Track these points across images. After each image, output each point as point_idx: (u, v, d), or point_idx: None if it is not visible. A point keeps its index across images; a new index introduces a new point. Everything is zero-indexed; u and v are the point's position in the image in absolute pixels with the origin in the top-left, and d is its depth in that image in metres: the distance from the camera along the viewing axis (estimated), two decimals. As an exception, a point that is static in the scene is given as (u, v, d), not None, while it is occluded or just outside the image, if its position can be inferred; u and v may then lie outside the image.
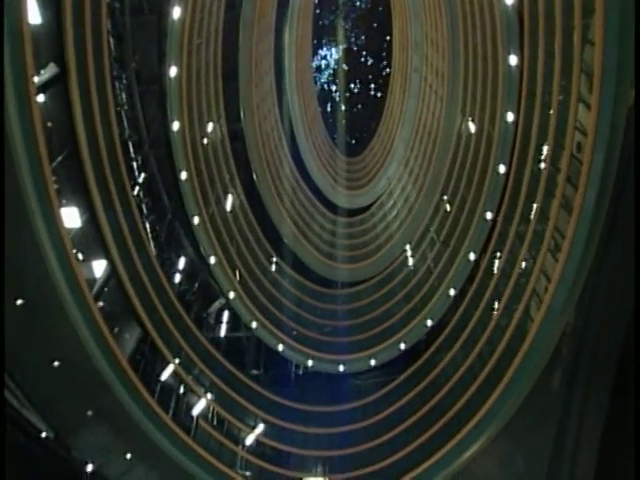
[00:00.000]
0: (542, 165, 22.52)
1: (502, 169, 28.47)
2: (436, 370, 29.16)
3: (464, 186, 33.87)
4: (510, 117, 27.14)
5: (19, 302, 16.80)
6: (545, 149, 22.08)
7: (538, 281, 21.62)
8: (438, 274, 34.47)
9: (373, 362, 35.75)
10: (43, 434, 21.09)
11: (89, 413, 20.76)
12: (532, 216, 23.14)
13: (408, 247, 40.87)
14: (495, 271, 26.68)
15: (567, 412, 19.81)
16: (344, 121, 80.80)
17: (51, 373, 18.94)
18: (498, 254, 27.35)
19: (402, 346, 34.78)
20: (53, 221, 16.35)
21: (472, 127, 33.57)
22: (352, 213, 52.98)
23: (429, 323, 33.54)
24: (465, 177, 33.87)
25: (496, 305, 26.17)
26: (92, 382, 19.82)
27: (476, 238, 30.98)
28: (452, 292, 32.32)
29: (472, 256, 31.05)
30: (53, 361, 18.85)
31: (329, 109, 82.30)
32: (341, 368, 36.40)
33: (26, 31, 14.37)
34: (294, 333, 37.63)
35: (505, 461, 21.71)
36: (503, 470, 21.94)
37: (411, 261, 39.88)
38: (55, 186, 16.58)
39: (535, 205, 22.84)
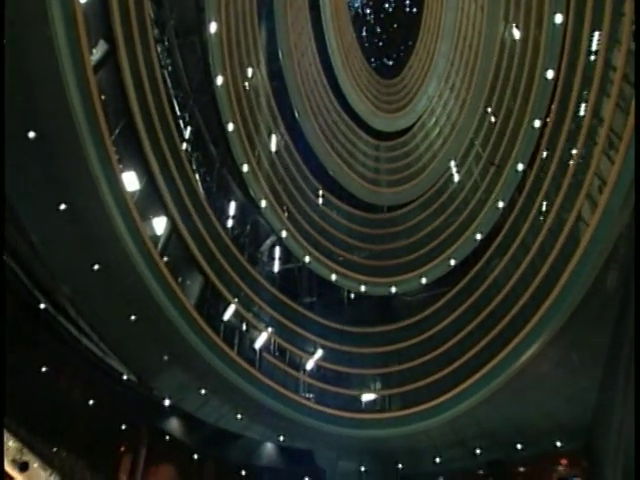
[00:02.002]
0: (594, 60, 20.82)
1: (550, 74, 26.71)
2: (487, 281, 28.87)
3: (509, 96, 32.16)
4: (559, 19, 25.10)
5: (96, 267, 18.65)
6: (596, 41, 20.37)
7: (592, 185, 20.61)
8: (485, 188, 33.50)
9: (424, 280, 35.74)
10: (124, 377, 23.20)
11: (165, 358, 22.63)
12: (584, 119, 21.76)
13: (453, 164, 39.69)
14: (546, 179, 25.54)
15: (623, 313, 19.41)
16: (381, 43, 77.09)
17: (129, 326, 20.68)
18: (547, 155, 26.03)
19: (452, 262, 34.49)
20: (118, 188, 17.59)
21: (516, 34, 31.35)
22: (394, 136, 51.56)
23: (478, 237, 32.97)
24: (510, 87, 32.10)
25: (543, 208, 25.30)
26: (165, 330, 21.46)
27: (524, 148, 29.68)
28: (501, 204, 31.46)
29: (520, 167, 29.89)
30: (130, 315, 20.57)
31: (364, 33, 78.42)
32: (393, 290, 36.63)
33: (79, 13, 14.71)
34: (340, 259, 37.73)
35: (561, 361, 21.75)
36: (558, 369, 22.04)
37: (457, 177, 38.83)
38: (116, 156, 17.70)
39: (588, 107, 21.43)
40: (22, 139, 15.12)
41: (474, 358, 26.79)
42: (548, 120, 26.82)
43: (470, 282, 31.03)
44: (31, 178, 16.30)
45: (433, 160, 43.19)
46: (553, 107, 25.74)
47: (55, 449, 18.94)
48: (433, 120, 46.67)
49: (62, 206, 16.79)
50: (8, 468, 14.70)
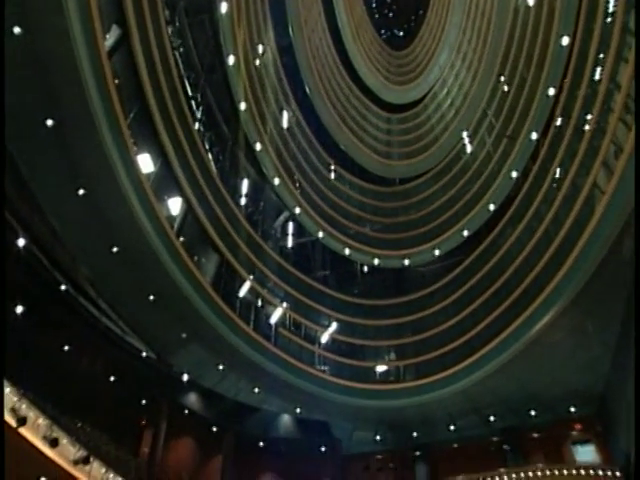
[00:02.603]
0: (611, 22, 20.12)
1: (565, 41, 25.92)
2: (501, 251, 28.61)
3: (523, 64, 31.33)
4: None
5: (115, 249, 19.16)
6: (613, 3, 19.65)
7: (608, 152, 20.10)
8: (499, 158, 32.93)
9: (437, 252, 35.52)
10: (144, 354, 23.87)
11: (184, 335, 23.08)
12: (600, 85, 21.12)
13: (465, 134, 39.02)
14: (560, 147, 24.98)
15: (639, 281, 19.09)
16: (391, 14, 75.30)
17: (148, 305, 21.23)
18: (562, 123, 25.44)
19: (465, 233, 34.17)
20: (134, 171, 17.96)
21: (530, 0, 30.42)
22: (406, 108, 50.72)
23: (491, 208, 32.56)
24: (524, 55, 31.26)
25: (558, 176, 24.84)
26: (183, 309, 21.92)
27: (538, 116, 29.04)
28: (514, 174, 30.95)
29: (534, 135, 29.30)
30: (148, 295, 21.09)
31: (374, 4, 76.55)
32: (406, 262, 36.46)
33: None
34: (351, 232, 37.54)
35: (575, 329, 21.61)
36: (572, 337, 21.92)
37: (469, 148, 38.21)
38: (131, 140, 18.02)
39: (604, 72, 20.77)
40: (41, 127, 15.48)
41: (488, 328, 26.75)
42: (563, 87, 26.06)
43: (483, 252, 30.78)
44: (50, 165, 16.71)
45: (445, 131, 42.57)
46: (568, 74, 24.92)
47: (80, 424, 19.45)
48: (445, 91, 45.82)
49: (81, 191, 17.28)
50: (39, 444, 15.09)
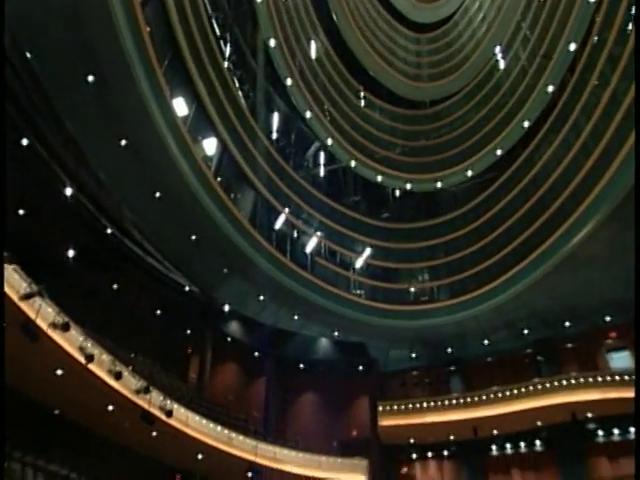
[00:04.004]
0: None
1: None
2: (536, 167, 27.31)
3: (561, -31, 28.15)
4: None
5: (157, 195, 20.11)
6: None
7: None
8: (534, 72, 30.47)
9: (470, 173, 34.04)
10: (187, 289, 24.69)
11: (225, 270, 23.96)
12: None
13: (498, 50, 36.19)
14: (601, 55, 22.73)
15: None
16: None
17: (190, 244, 22.26)
18: (603, 30, 23.12)
19: (499, 152, 32.47)
20: (170, 116, 18.37)
21: None
22: (435, 27, 47.25)
23: (526, 124, 30.64)
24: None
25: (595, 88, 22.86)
26: (223, 245, 22.73)
27: (577, 26, 26.54)
28: (550, 88, 28.71)
29: (572, 46, 26.91)
30: (190, 235, 22.02)
31: None
32: (438, 185, 35.20)
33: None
34: (382, 158, 36.36)
35: (613, 241, 20.65)
36: (609, 249, 21.05)
37: (502, 64, 35.51)
38: (167, 87, 18.42)
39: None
40: (83, 84, 16.21)
41: (522, 245, 26.13)
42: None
43: (517, 170, 29.54)
44: (94, 118, 17.56)
45: (477, 48, 39.80)
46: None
47: (133, 355, 20.32)
48: (476, 5, 42.18)
49: (123, 142, 18.13)
50: (105, 377, 15.90)
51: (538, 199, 26.15)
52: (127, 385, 16.69)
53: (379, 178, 35.62)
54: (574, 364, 25.87)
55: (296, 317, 27.31)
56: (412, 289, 31.01)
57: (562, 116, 26.24)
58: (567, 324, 26.31)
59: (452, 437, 25.89)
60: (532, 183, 27.29)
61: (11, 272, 12.89)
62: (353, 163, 35.15)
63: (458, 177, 34.68)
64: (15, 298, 12.87)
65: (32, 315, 13.37)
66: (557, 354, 26.98)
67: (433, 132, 38.72)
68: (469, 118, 36.53)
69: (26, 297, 13.16)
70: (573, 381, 23.55)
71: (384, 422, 25.91)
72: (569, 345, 26.98)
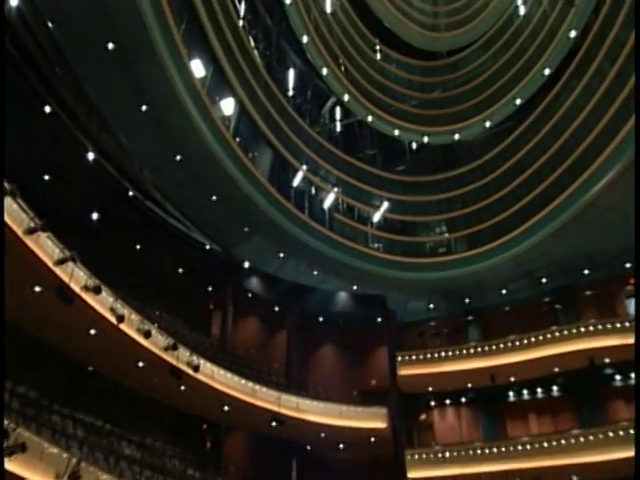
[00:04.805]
0: None
1: None
2: (557, 115, 26.32)
3: None
4: None
5: (178, 158, 20.52)
6: None
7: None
8: (556, 17, 28.74)
9: (488, 124, 32.91)
10: (208, 247, 24.89)
11: (245, 229, 24.11)
12: None
13: (518, -7, 34.15)
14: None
15: None
16: None
17: (211, 205, 22.45)
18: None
19: (518, 101, 31.19)
20: (189, 78, 18.62)
21: None
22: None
23: (546, 72, 29.21)
24: None
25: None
26: (243, 204, 22.90)
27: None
28: (573, 34, 27.14)
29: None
30: (211, 195, 22.22)
31: None
32: (456, 137, 34.15)
33: None
34: (399, 111, 35.28)
35: (632, 189, 19.92)
36: (632, 197, 20.29)
37: (522, 10, 33.58)
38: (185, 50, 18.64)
39: None
40: (103, 51, 16.49)
41: (542, 194, 25.52)
42: None
43: (537, 119, 28.46)
44: (115, 85, 17.87)
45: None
46: None
47: (158, 312, 20.69)
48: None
49: (144, 107, 18.54)
50: (135, 335, 16.40)
51: (558, 148, 25.30)
52: (156, 343, 17.21)
53: (396, 132, 34.84)
54: (593, 311, 25.49)
55: (315, 272, 27.42)
56: (430, 242, 30.76)
57: (585, 62, 25.07)
58: (586, 272, 25.75)
59: (470, 385, 26.08)
60: (552, 132, 26.34)
61: (45, 239, 13.29)
62: (370, 118, 34.36)
63: (476, 128, 33.64)
64: (50, 264, 13.36)
65: (66, 279, 13.81)
66: (576, 302, 26.62)
67: (450, 83, 37.31)
68: (487, 67, 35.06)
69: (59, 262, 13.61)
70: (591, 328, 23.36)
71: (403, 372, 26.12)
72: (588, 293, 26.46)
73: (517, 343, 24.83)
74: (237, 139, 22.85)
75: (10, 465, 10.39)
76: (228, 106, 23.36)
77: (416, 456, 23.42)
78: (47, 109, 16.56)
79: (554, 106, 27.13)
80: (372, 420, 23.84)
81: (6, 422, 10.65)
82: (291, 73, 31.72)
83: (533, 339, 24.50)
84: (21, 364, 14.82)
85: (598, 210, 21.75)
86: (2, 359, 8.40)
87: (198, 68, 20.31)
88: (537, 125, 28.05)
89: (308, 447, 24.40)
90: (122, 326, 15.73)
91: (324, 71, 32.43)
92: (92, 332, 15.58)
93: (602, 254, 24.40)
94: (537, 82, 30.12)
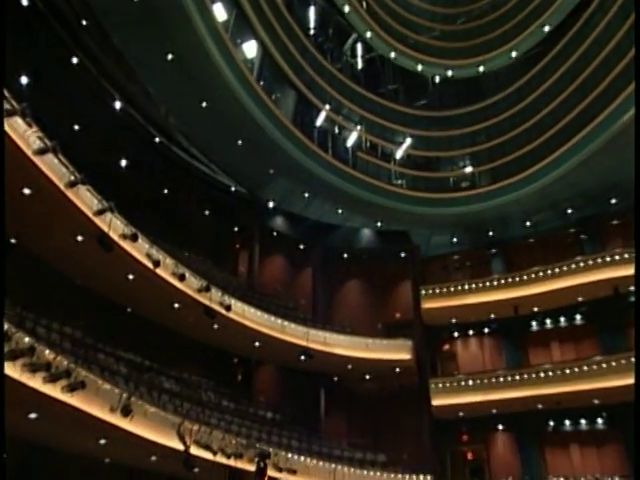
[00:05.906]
0: None
1: None
2: (587, 42, 24.60)
3: None
4: None
5: (204, 105, 20.79)
6: None
7: None
8: None
9: (514, 54, 31.01)
10: (233, 189, 25.18)
11: (271, 171, 24.32)
12: None
13: None
14: None
15: None
16: None
17: (236, 148, 22.68)
18: None
19: (546, 29, 29.15)
20: (211, 20, 18.58)
21: None
22: None
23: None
24: None
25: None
26: (268, 147, 23.09)
27: None
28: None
29: None
30: (237, 140, 22.44)
31: None
32: (481, 69, 32.36)
33: None
34: (422, 46, 33.57)
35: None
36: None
37: None
38: None
39: None
40: (128, 2, 16.87)
41: (569, 125, 24.46)
42: None
43: (566, 46, 26.68)
44: (141, 35, 18.25)
45: None
46: None
47: (187, 254, 21.19)
48: None
49: (169, 56, 18.86)
50: (170, 278, 16.98)
51: (588, 75, 23.93)
52: (190, 285, 17.83)
53: (419, 67, 33.33)
54: (619, 241, 24.80)
55: (340, 211, 27.46)
56: (453, 177, 30.07)
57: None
58: (613, 201, 24.94)
59: (493, 316, 26.21)
60: (582, 59, 24.82)
61: (84, 191, 13.84)
62: (393, 54, 32.91)
63: (502, 59, 31.77)
64: (90, 214, 13.96)
65: (105, 228, 14.41)
66: (602, 232, 25.95)
67: (475, 12, 34.89)
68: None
69: (99, 213, 14.15)
70: (617, 257, 22.97)
71: (426, 305, 26.28)
72: (615, 222, 25.65)
73: (541, 274, 24.64)
74: (260, 82, 22.69)
75: (73, 400, 11.37)
76: (251, 49, 23.20)
77: (440, 385, 23.93)
78: (74, 60, 17.14)
79: (585, 31, 25.32)
80: (397, 352, 24.32)
81: (64, 362, 11.48)
82: (312, 11, 30.76)
83: (557, 270, 24.27)
84: (66, 308, 15.69)
85: (627, 139, 20.38)
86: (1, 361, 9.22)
87: (220, 12, 20.02)
88: (566, 52, 26.33)
89: (335, 378, 25.24)
90: (158, 270, 16.32)
91: (346, 8, 31.20)
92: (130, 277, 16.35)
93: (630, 183, 23.27)
94: (567, 7, 27.84)
